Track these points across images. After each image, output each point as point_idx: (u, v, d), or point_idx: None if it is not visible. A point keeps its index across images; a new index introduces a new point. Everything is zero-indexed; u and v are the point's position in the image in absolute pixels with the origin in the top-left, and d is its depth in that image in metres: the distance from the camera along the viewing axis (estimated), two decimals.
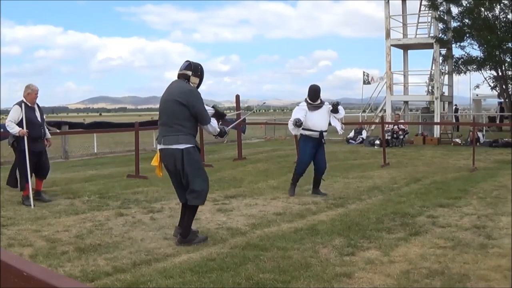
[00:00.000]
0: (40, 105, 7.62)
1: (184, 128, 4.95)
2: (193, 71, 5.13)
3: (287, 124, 8.79)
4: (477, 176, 9.70)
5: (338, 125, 7.96)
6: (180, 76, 5.16)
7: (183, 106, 4.93)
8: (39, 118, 7.43)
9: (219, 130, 5.32)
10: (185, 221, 5.16)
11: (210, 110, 5.32)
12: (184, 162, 4.94)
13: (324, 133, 7.79)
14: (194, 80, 5.13)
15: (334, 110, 7.81)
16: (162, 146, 5.04)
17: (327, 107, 7.82)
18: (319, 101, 7.76)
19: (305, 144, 7.80)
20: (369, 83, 23.65)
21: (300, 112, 7.69)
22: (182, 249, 4.88)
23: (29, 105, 7.26)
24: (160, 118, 5.18)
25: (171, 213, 6.60)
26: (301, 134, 7.82)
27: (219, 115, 5.50)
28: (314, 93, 7.76)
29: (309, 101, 7.74)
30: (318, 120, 7.66)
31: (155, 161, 5.24)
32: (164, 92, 5.22)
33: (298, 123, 7.55)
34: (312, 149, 7.73)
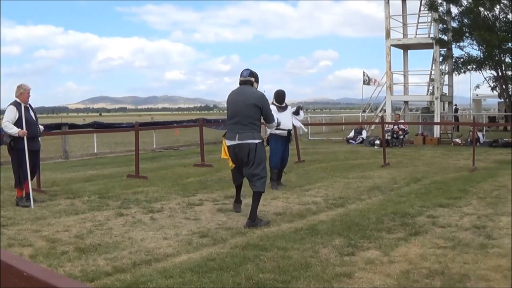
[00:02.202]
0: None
1: (256, 126, 5.95)
2: (255, 77, 6.14)
3: None
4: (477, 176, 9.70)
5: (298, 124, 9.47)
6: (246, 82, 6.10)
7: (258, 108, 5.92)
8: (34, 117, 7.46)
9: (277, 125, 6.75)
10: (252, 207, 5.85)
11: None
12: (257, 153, 5.86)
13: (291, 131, 8.93)
14: (255, 85, 6.17)
15: (296, 112, 9.06)
16: (237, 142, 5.88)
17: (290, 109, 8.94)
18: (284, 104, 8.84)
19: (275, 142, 8.73)
20: (368, 84, 23.66)
21: (274, 113, 8.41)
22: (182, 249, 4.88)
23: (24, 105, 7.28)
24: (232, 117, 6.01)
25: (171, 213, 6.61)
26: (271, 134, 8.73)
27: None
28: (280, 97, 8.81)
29: (276, 104, 8.71)
30: (285, 120, 8.57)
31: (225, 155, 6.18)
32: (235, 95, 6.09)
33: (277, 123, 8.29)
34: (281, 146, 8.75)
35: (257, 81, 6.20)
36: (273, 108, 8.48)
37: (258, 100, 5.92)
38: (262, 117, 6.18)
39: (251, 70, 6.16)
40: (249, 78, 6.09)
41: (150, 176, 9.98)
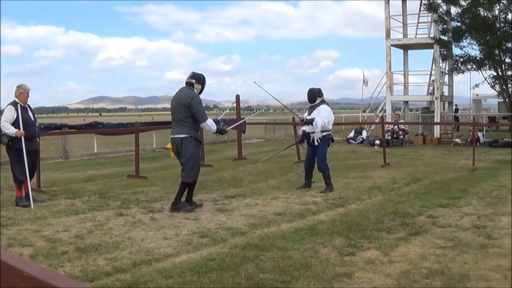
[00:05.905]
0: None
1: (186, 123, 6.48)
2: (196, 79, 6.69)
3: (286, 124, 9.37)
4: (477, 176, 9.70)
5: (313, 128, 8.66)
6: (186, 83, 6.71)
7: (185, 107, 6.44)
8: (32, 118, 7.46)
9: (215, 128, 6.79)
10: (177, 192, 6.65)
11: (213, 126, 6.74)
12: (183, 146, 6.48)
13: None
14: (197, 86, 6.69)
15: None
16: (171, 136, 6.62)
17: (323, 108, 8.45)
18: (316, 102, 8.38)
19: (308, 140, 8.53)
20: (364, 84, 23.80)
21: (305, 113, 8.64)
22: (182, 249, 4.88)
23: (22, 105, 7.28)
24: (171, 115, 6.71)
25: (171, 213, 6.60)
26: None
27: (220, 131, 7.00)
28: (309, 96, 8.45)
29: (310, 104, 8.48)
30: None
31: (169, 145, 6.87)
32: (174, 95, 6.76)
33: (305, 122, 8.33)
34: (312, 146, 8.46)
35: (199, 82, 6.69)
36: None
37: (185, 99, 6.46)
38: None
39: (194, 73, 6.75)
40: (189, 80, 6.69)
41: (150, 176, 9.98)
